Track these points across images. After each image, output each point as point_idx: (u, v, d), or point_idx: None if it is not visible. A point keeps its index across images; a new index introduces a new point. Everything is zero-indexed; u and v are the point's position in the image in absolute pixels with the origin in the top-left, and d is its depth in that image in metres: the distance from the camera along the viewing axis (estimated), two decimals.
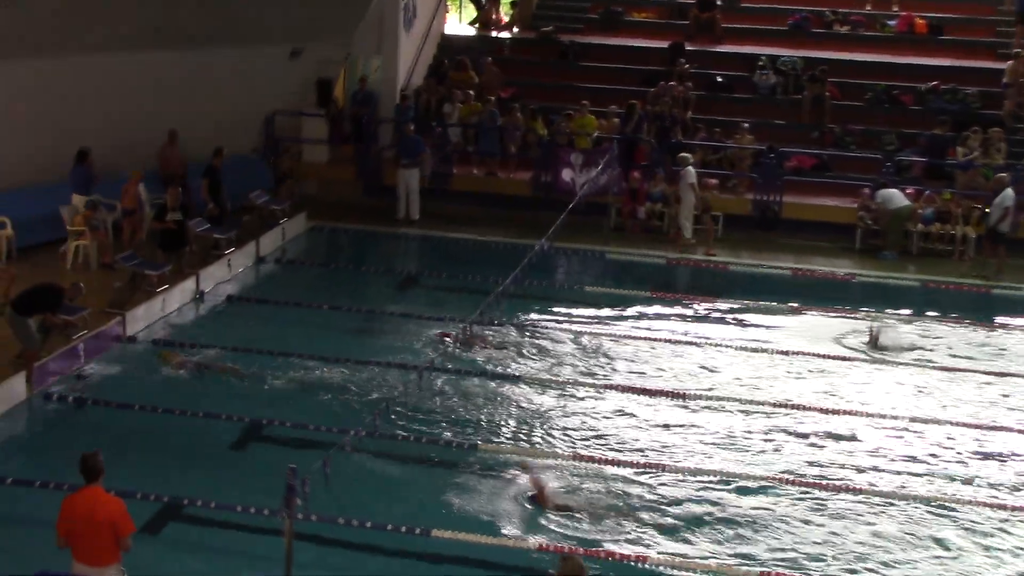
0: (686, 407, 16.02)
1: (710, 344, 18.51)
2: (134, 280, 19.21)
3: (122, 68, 23.04)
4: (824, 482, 13.95)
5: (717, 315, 20.18)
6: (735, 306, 20.60)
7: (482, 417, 15.37)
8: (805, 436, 15.25)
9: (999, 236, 23.14)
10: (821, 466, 14.44)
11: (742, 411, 15.94)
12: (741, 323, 19.73)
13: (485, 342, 17.71)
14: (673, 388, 16.57)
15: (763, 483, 13.81)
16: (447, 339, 17.81)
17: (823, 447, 14.98)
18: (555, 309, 20.15)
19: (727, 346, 18.45)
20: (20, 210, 21.09)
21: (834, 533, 12.85)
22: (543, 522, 12.66)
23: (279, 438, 14.57)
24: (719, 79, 29.45)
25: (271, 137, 27.49)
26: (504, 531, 12.45)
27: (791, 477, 13.97)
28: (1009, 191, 23.08)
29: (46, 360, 15.79)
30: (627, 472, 13.88)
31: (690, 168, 24.36)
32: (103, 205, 21.85)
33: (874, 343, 18.75)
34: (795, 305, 20.71)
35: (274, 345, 17.35)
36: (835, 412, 15.99)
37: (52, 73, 21.75)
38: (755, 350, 18.33)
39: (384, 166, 26.87)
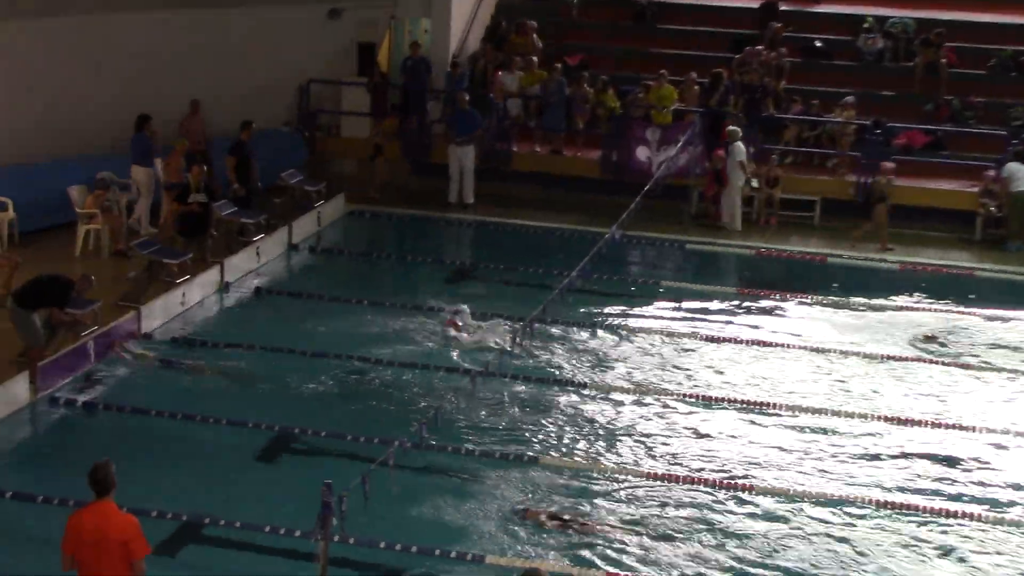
0: (772, 419, 15.91)
1: (804, 348, 18.39)
2: (151, 270, 19.37)
3: (137, 29, 23.30)
4: (930, 506, 13.80)
5: (813, 315, 20.03)
6: (832, 305, 20.47)
7: (542, 428, 15.34)
8: (911, 455, 15.09)
9: None
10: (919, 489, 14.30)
11: (832, 426, 15.81)
12: (839, 324, 19.55)
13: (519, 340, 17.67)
14: (759, 398, 16.44)
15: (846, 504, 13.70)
16: (455, 327, 18.02)
17: (929, 466, 14.82)
18: (627, 307, 20.09)
19: (823, 350, 18.31)
20: (23, 190, 21.30)
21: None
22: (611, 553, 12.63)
23: (313, 449, 14.62)
24: (818, 44, 29.18)
25: (306, 108, 27.62)
26: (564, 558, 12.41)
27: (873, 498, 13.85)
28: None
29: (52, 360, 15.95)
30: (699, 493, 13.83)
31: (739, 144, 24.29)
32: (116, 184, 22.06)
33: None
34: (902, 304, 20.51)
35: (307, 344, 17.43)
36: (944, 427, 15.86)
37: (56, 34, 21.99)
38: (853, 355, 18.20)
39: (435, 142, 26.92)
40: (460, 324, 18.21)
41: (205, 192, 20.65)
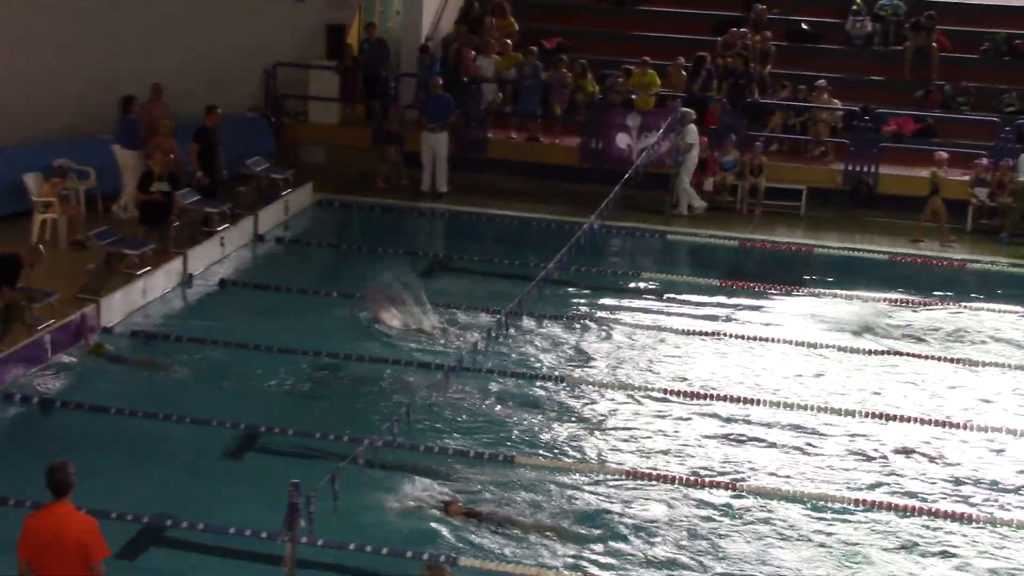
0: (753, 415, 15.98)
1: (787, 343, 18.46)
2: (110, 261, 19.30)
3: (94, 10, 23.19)
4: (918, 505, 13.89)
5: (798, 308, 20.12)
6: (819, 297, 20.56)
7: (517, 424, 15.36)
8: (903, 452, 15.18)
9: None
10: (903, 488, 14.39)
11: (822, 422, 15.89)
12: (825, 318, 19.62)
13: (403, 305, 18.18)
14: (742, 394, 16.51)
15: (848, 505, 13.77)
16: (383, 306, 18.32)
17: (919, 464, 14.90)
18: (606, 299, 20.15)
19: (810, 344, 18.40)
20: None
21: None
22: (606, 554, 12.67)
23: (280, 448, 14.59)
24: (804, 27, 29.31)
25: (273, 93, 27.58)
26: (536, 558, 12.44)
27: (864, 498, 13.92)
28: None
29: (6, 354, 15.90)
30: (667, 490, 13.88)
31: (692, 127, 24.51)
32: (74, 172, 21.99)
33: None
34: (891, 297, 20.61)
35: (274, 339, 17.41)
36: (936, 423, 15.94)
37: (8, 16, 21.87)
38: (842, 349, 18.28)
39: (406, 129, 26.91)
40: (392, 303, 18.35)
41: (168, 180, 20.56)
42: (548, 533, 12.89)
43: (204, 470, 14.00)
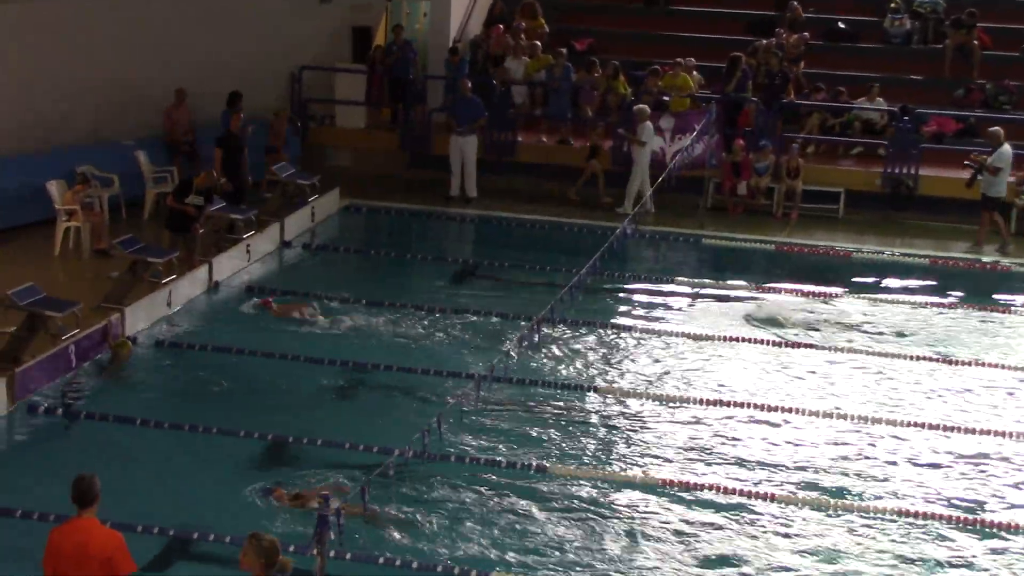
0: (793, 425, 15.92)
1: (828, 350, 18.37)
2: (135, 269, 19.33)
3: (117, 13, 23.26)
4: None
5: (836, 313, 20.03)
6: (858, 302, 20.50)
7: (551, 435, 15.34)
8: (950, 463, 15.10)
9: None
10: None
11: (856, 429, 15.84)
12: (865, 324, 19.54)
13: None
14: (779, 403, 16.43)
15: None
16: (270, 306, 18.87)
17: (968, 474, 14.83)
18: (640, 306, 20.14)
19: (847, 350, 18.32)
20: None
21: None
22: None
23: (308, 459, 14.57)
24: (841, 25, 29.20)
25: (298, 97, 27.63)
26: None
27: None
28: None
29: (30, 364, 15.94)
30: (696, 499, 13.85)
31: (647, 124, 24.49)
32: (97, 179, 22.06)
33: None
34: (932, 300, 20.52)
35: (302, 348, 17.46)
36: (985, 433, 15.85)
37: (29, 19, 21.97)
38: (882, 355, 18.19)
39: (434, 132, 26.92)
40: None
41: (205, 196, 20.39)
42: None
43: (231, 481, 13.97)
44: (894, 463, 15.06)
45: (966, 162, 23.72)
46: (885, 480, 14.63)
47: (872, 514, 13.77)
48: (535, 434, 15.37)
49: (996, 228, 23.56)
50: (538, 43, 28.02)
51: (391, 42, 28.18)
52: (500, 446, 14.97)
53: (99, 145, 22.90)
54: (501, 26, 28.85)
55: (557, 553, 12.74)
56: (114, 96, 23.24)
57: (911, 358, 18.12)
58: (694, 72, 26.94)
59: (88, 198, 21.36)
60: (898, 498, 14.17)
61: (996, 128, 23.76)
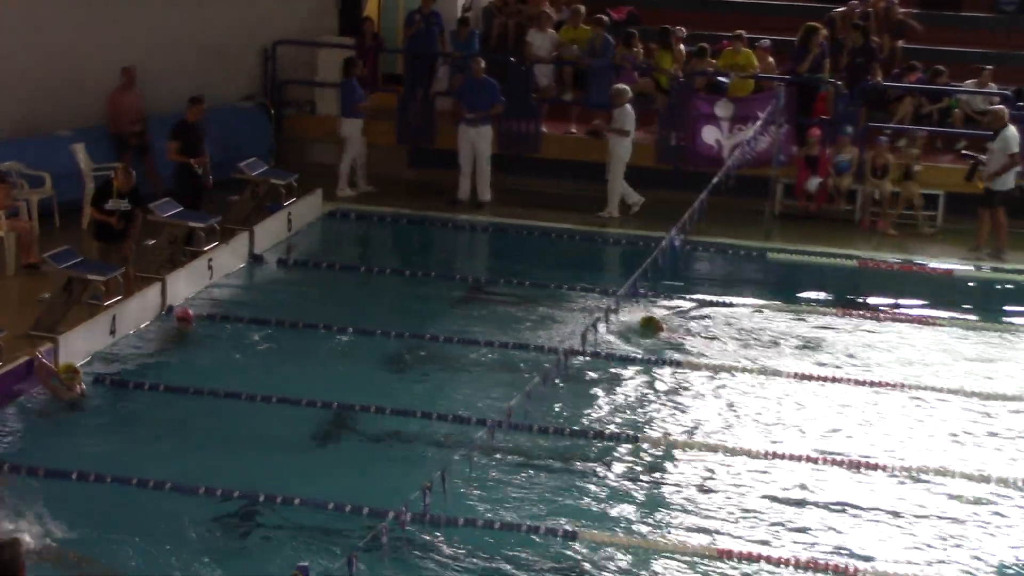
0: (877, 485, 15.92)
1: (923, 389, 18.38)
2: (71, 288, 19.37)
3: None
4: None
5: (936, 346, 20.07)
6: (967, 333, 20.58)
7: (583, 493, 15.38)
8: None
9: None
10: None
11: (954, 492, 15.82)
12: (975, 360, 19.56)
13: None
14: (857, 456, 16.40)
15: None
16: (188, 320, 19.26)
17: None
18: (690, 335, 20.17)
19: (947, 390, 18.34)
20: None
21: None
22: None
23: (285, 523, 14.55)
24: None
25: (272, 78, 27.75)
26: None
27: None
28: None
29: None
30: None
31: (627, 107, 24.72)
32: (24, 179, 22.15)
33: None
34: None
35: (273, 387, 17.50)
36: None
37: None
38: (988, 397, 18.21)
39: (438, 121, 27.06)
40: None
41: (131, 197, 20.35)
42: None
43: (196, 548, 13.97)
44: None
45: (963, 152, 23.95)
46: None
47: None
48: (562, 492, 15.39)
49: (996, 227, 23.90)
50: (581, 7, 27.98)
51: (415, 10, 28.14)
52: (518, 507, 15.01)
53: (27, 137, 23.00)
54: None
55: None
56: (48, 78, 23.35)
57: None
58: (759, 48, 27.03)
59: (13, 202, 21.44)
60: None
61: (999, 107, 23.94)
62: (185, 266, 21.02)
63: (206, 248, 21.65)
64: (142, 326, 19.55)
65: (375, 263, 23.23)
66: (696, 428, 17.17)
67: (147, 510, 14.67)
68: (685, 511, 15.19)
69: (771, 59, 27.05)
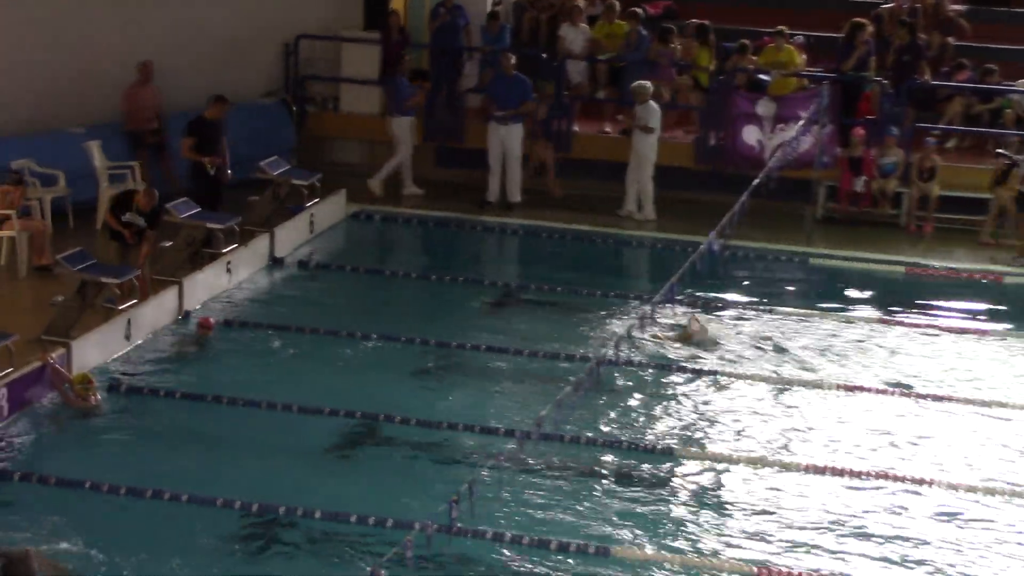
0: (931, 501, 15.76)
1: (967, 401, 18.27)
2: (84, 292, 19.34)
3: None
4: None
5: (988, 356, 19.96)
6: (1018, 343, 20.43)
7: (615, 509, 15.26)
8: None
9: None
10: None
11: (998, 512, 15.61)
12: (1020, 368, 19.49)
13: None
14: (906, 473, 16.23)
15: None
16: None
17: None
18: (729, 343, 20.06)
19: (997, 404, 18.19)
20: None
21: None
22: None
23: (308, 536, 14.50)
24: None
25: (293, 74, 27.69)
26: None
27: None
28: None
29: None
30: None
31: (651, 104, 24.58)
32: (37, 177, 22.12)
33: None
34: None
35: (295, 395, 17.45)
36: None
37: None
38: None
39: (467, 120, 26.96)
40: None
41: (149, 216, 20.26)
42: None
43: (211, 563, 13.93)
44: None
45: (998, 152, 23.85)
46: None
47: None
48: (594, 507, 15.30)
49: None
50: (615, 2, 27.85)
51: (440, 2, 28.08)
52: (549, 521, 14.91)
53: (40, 134, 22.97)
54: None
55: None
56: (62, 74, 23.32)
57: None
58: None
59: (25, 201, 21.41)
60: None
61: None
62: (203, 269, 20.92)
63: (225, 250, 21.56)
64: (158, 330, 19.48)
65: (400, 267, 23.17)
66: (736, 440, 17.09)
67: (162, 522, 14.68)
68: (722, 527, 15.09)
69: (804, 56, 26.89)
